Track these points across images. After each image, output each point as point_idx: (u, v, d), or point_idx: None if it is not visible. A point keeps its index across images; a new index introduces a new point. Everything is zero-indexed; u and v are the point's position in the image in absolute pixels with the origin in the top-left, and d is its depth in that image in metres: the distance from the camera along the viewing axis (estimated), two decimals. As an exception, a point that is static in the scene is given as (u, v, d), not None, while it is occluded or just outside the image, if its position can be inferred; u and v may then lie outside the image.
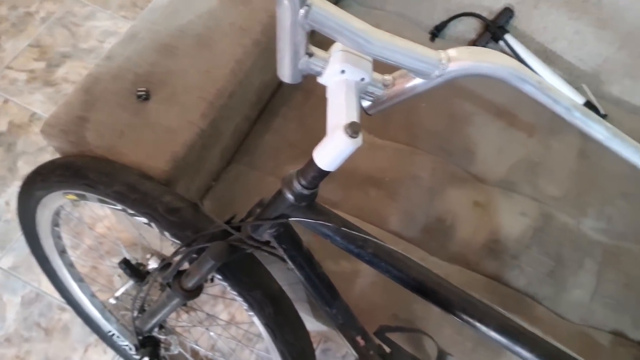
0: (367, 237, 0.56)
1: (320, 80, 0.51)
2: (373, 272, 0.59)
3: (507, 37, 1.07)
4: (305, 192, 0.52)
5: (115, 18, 1.76)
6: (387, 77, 0.53)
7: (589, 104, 1.02)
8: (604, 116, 1.02)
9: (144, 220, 0.76)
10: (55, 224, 0.99)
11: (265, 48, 0.95)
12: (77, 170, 0.77)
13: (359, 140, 0.45)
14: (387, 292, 0.88)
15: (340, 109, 0.48)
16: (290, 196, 0.53)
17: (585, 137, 1.03)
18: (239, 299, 0.76)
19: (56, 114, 0.83)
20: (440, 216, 0.94)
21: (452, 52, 0.48)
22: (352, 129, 0.45)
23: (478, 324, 0.55)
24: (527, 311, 0.87)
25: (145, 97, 0.84)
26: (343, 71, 0.49)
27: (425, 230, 0.93)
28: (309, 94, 1.04)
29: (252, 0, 0.95)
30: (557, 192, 0.98)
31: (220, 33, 0.91)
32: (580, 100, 1.03)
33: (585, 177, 1.00)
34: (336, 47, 0.49)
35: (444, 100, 1.06)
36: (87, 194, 0.79)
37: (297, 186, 0.52)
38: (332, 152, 0.47)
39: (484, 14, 1.11)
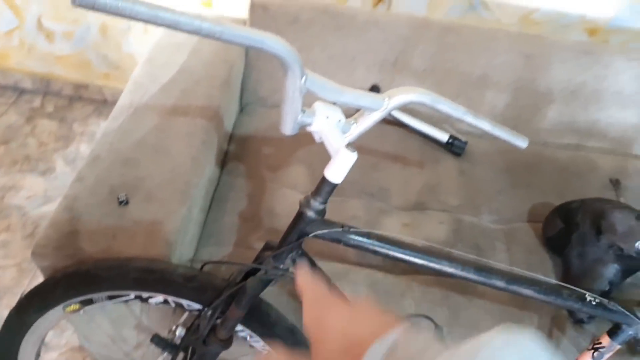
0: (369, 231, 0.76)
1: (310, 128, 0.72)
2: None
3: (382, 104, 1.41)
4: (321, 206, 0.71)
5: (11, 173, 1.78)
6: (351, 119, 0.77)
7: (452, 137, 1.38)
8: (465, 143, 1.38)
9: (160, 299, 0.85)
10: (39, 353, 0.98)
11: (210, 145, 1.14)
12: (85, 274, 0.84)
13: (355, 154, 0.67)
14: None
15: (335, 139, 0.70)
16: (311, 213, 0.71)
17: (459, 160, 1.37)
18: (260, 343, 0.87)
19: (45, 235, 0.90)
20: (384, 241, 1.16)
21: (390, 92, 0.74)
22: (351, 147, 0.67)
23: (461, 272, 0.77)
24: (472, 290, 1.10)
25: (126, 202, 0.95)
26: (327, 117, 0.71)
27: (377, 255, 1.14)
28: (249, 179, 1.24)
29: (188, 111, 1.15)
30: (456, 202, 1.28)
31: (171, 140, 1.08)
32: (445, 136, 1.38)
33: (470, 187, 1.32)
34: (317, 103, 0.72)
35: (352, 159, 1.33)
36: (95, 296, 0.86)
37: (314, 203, 0.71)
38: (340, 166, 0.68)
39: (358, 92, 1.45)
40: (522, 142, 0.87)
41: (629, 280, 1.08)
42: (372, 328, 0.34)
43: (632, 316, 0.79)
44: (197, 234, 1.12)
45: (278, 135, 1.01)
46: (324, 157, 0.69)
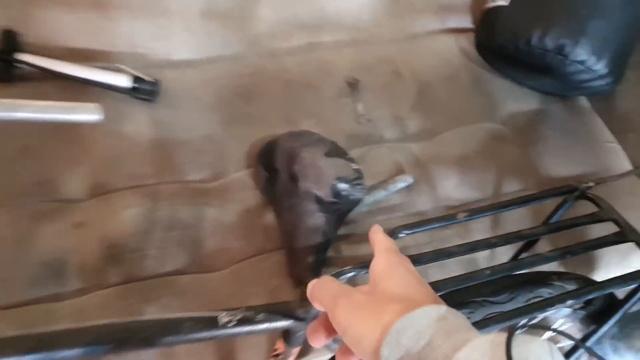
0: None
1: None
2: None
3: (24, 56, 1.00)
4: None
5: None
6: None
7: (137, 79, 1.03)
8: (155, 83, 1.04)
9: None
10: None
11: None
12: None
13: None
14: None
15: None
16: None
17: (151, 107, 1.04)
18: None
19: None
20: (46, 259, 0.85)
21: None
22: None
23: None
24: (171, 288, 0.85)
25: None
26: None
27: (36, 284, 0.83)
28: None
29: None
30: (150, 169, 0.98)
31: None
32: (126, 79, 1.02)
33: (168, 143, 1.02)
34: None
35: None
36: None
37: None
38: None
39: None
40: (93, 115, 0.57)
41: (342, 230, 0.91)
42: (428, 294, 0.39)
43: (293, 321, 0.58)
44: None
45: None
46: None
